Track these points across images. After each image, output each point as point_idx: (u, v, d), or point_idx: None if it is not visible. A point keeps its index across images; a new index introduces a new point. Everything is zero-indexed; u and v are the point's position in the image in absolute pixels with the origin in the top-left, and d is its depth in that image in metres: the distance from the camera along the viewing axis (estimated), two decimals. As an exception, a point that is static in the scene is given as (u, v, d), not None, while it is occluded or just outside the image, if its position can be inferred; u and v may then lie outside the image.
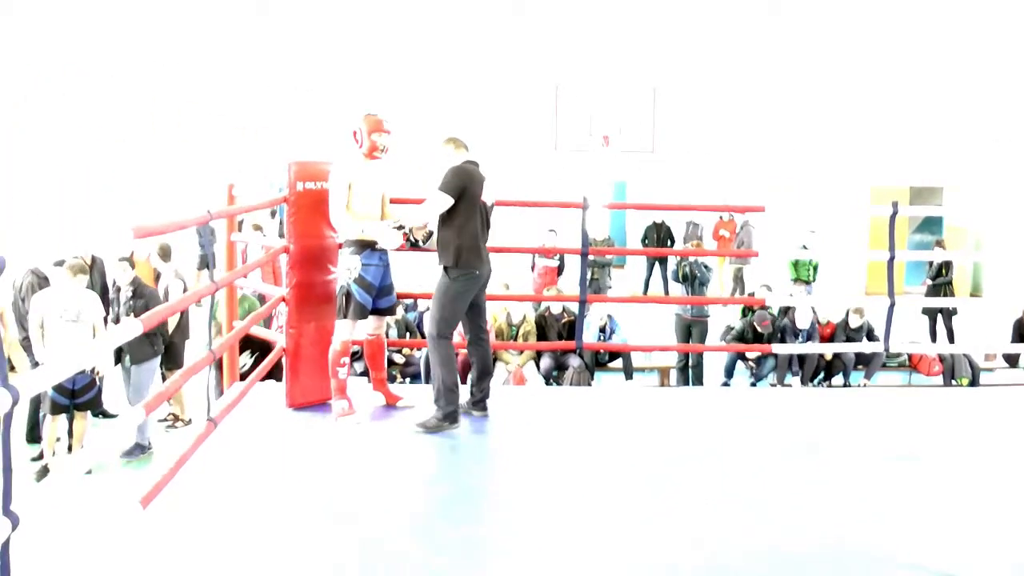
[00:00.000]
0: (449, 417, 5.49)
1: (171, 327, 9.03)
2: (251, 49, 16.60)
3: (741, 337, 10.83)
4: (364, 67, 16.81)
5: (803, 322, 10.81)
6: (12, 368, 7.97)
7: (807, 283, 14.20)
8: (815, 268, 14.33)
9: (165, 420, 9.38)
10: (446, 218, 5.45)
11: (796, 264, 14.28)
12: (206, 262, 6.88)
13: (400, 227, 5.66)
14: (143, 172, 16.32)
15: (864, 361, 10.89)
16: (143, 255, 10.27)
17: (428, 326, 5.60)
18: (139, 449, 8.43)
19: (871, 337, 10.79)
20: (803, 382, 10.79)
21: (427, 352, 5.78)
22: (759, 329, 10.62)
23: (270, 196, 6.43)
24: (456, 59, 17.03)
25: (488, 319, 10.18)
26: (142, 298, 8.34)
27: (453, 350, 5.59)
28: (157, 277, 9.92)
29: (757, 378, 10.89)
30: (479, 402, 5.85)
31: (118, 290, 8.57)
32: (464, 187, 5.38)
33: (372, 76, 16.71)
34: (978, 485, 4.76)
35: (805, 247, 14.03)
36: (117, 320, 8.48)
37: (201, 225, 4.61)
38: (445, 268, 5.50)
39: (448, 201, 5.36)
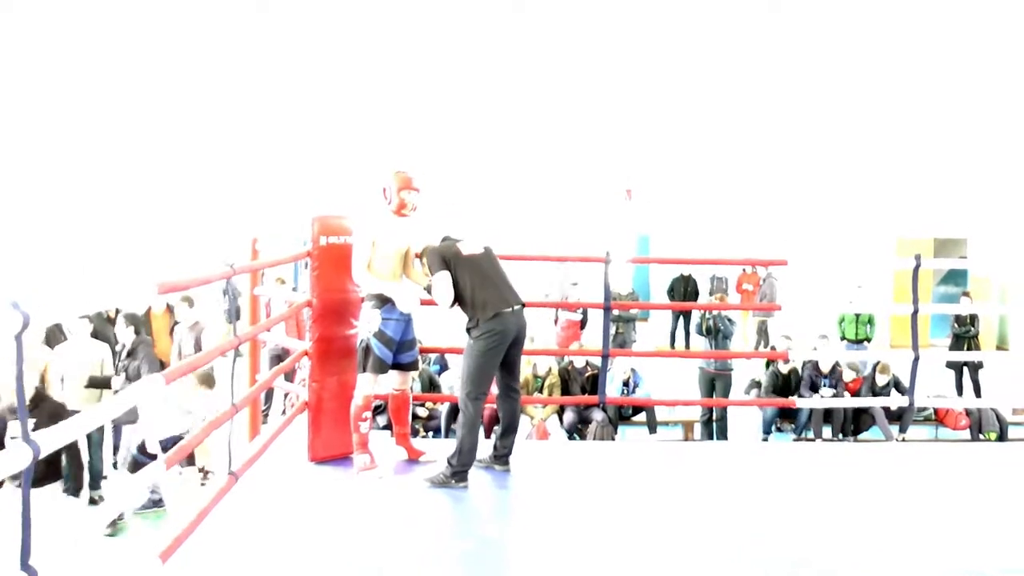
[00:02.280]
0: (457, 476, 5.42)
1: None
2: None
3: (773, 387, 10.82)
4: (385, 114, 16.91)
5: (825, 366, 10.77)
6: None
7: (859, 341, 13.83)
8: (871, 323, 13.98)
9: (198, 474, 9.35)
10: (453, 284, 5.47)
11: (843, 320, 14.01)
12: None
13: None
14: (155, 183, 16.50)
15: (897, 415, 10.78)
16: (159, 308, 10.28)
17: (459, 387, 5.55)
18: (152, 504, 8.30)
19: (899, 388, 10.72)
20: (834, 433, 10.71)
21: (450, 407, 5.75)
22: (783, 367, 10.68)
23: (293, 250, 6.44)
24: (477, 107, 17.13)
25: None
26: (136, 360, 8.29)
27: (481, 414, 5.53)
28: (172, 329, 9.92)
29: (795, 431, 10.84)
30: (501, 457, 5.78)
31: (122, 347, 8.53)
32: (442, 255, 5.48)
33: (392, 124, 16.81)
34: (1000, 539, 4.69)
35: (851, 302, 13.87)
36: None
37: (226, 279, 4.63)
38: (467, 329, 5.48)
39: (445, 275, 5.42)
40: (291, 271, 18.13)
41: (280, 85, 16.67)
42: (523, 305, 5.58)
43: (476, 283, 5.43)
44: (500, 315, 5.40)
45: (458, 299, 5.47)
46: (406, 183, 5.71)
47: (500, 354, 5.47)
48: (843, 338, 14.02)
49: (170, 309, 10.22)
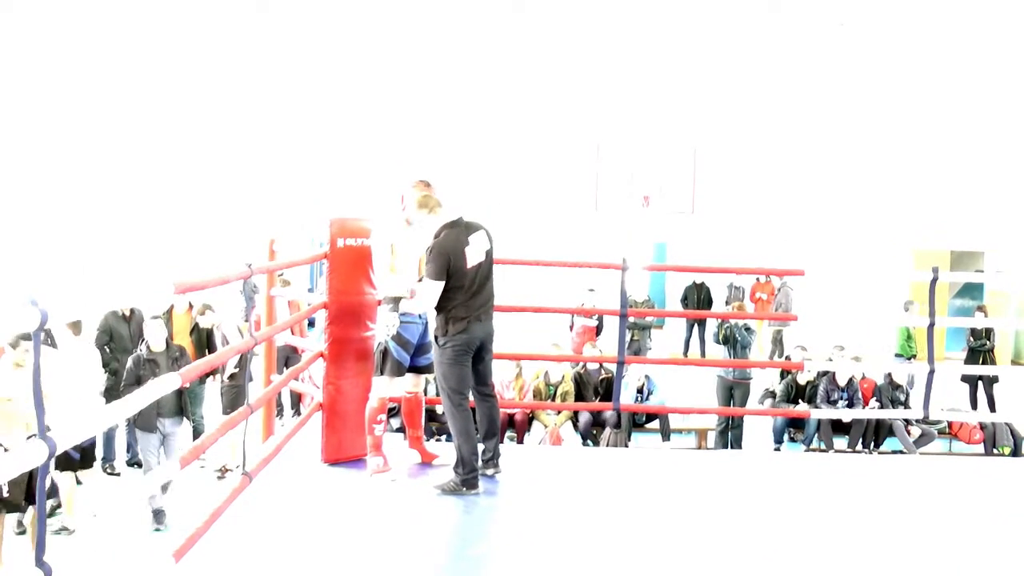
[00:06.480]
0: (467, 483, 5.38)
1: (228, 370, 9.10)
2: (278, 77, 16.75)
3: (788, 398, 10.78)
4: (400, 118, 16.88)
5: (842, 379, 10.69)
6: None
7: (909, 357, 13.68)
8: (910, 338, 13.78)
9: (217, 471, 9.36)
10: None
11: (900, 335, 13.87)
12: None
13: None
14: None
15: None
16: (181, 308, 10.19)
17: (442, 397, 5.50)
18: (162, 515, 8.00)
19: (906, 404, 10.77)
20: (850, 445, 10.65)
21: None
22: (800, 378, 10.71)
23: (305, 251, 6.44)
24: (498, 117, 17.11)
25: (527, 378, 10.27)
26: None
27: (471, 419, 5.47)
28: (192, 330, 9.83)
29: (805, 441, 10.78)
30: (489, 460, 5.71)
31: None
32: (448, 263, 5.25)
33: (408, 129, 16.77)
34: (1013, 556, 4.66)
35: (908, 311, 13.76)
36: None
37: (244, 280, 4.64)
38: (435, 337, 5.44)
39: (438, 287, 5.25)
40: (307, 272, 18.13)
41: (280, 85, 16.63)
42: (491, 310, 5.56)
43: (462, 300, 5.32)
44: (467, 329, 5.35)
45: (438, 307, 5.37)
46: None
47: (469, 356, 5.42)
48: (898, 354, 13.88)
49: (192, 308, 10.12)
